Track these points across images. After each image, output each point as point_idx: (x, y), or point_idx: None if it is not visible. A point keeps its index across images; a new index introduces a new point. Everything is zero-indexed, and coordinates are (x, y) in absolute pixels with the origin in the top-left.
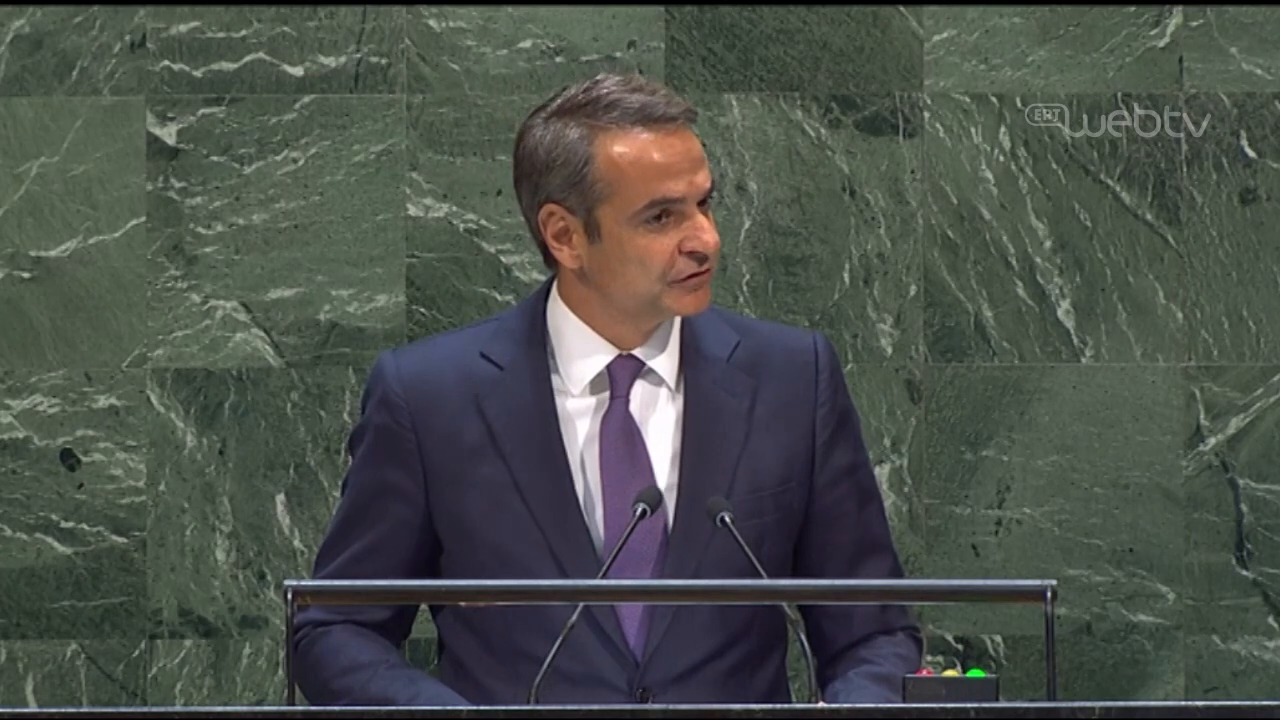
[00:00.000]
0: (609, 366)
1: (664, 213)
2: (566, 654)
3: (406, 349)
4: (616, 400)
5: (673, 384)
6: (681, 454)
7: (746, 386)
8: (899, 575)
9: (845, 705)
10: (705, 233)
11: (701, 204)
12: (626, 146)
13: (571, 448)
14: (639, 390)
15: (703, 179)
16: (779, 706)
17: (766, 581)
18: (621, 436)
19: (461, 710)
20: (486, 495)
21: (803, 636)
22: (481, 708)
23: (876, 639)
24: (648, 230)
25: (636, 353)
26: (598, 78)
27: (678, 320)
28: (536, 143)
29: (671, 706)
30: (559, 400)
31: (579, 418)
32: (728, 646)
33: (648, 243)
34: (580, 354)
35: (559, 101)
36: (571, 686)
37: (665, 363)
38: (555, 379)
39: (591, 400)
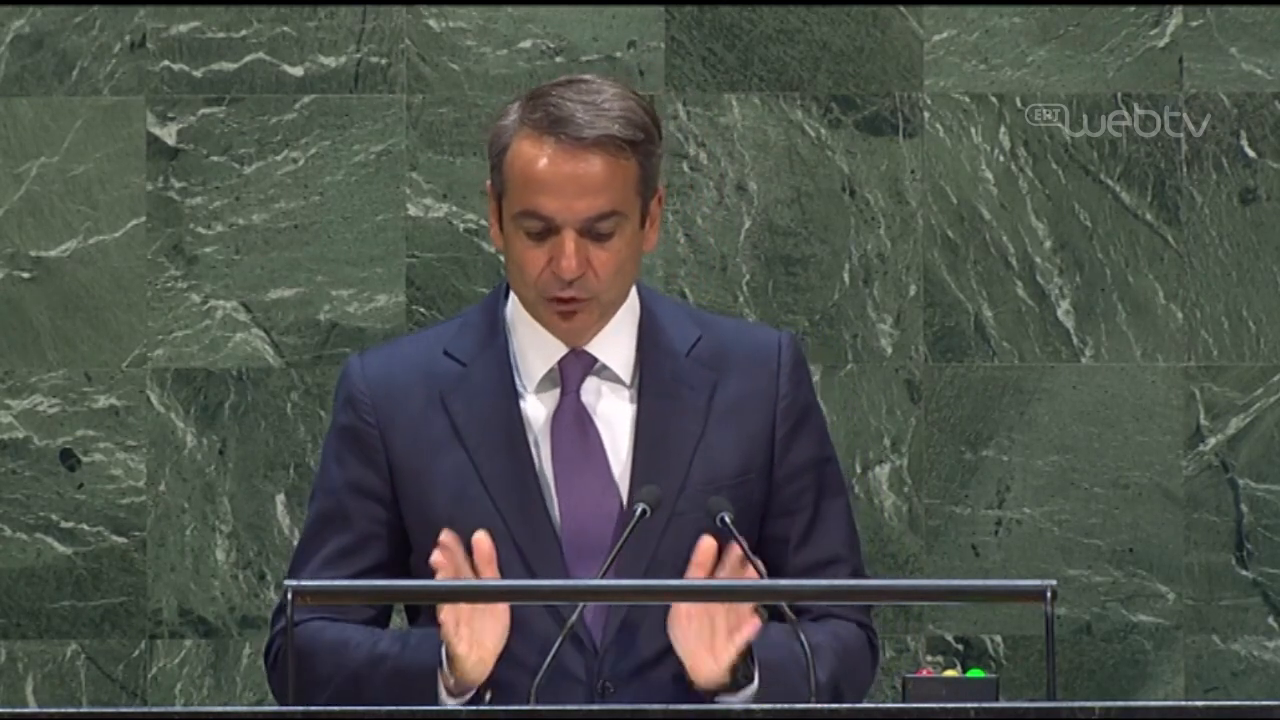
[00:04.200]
0: (560, 362)
1: (545, 229)
2: (525, 644)
3: (373, 350)
4: (567, 396)
5: (627, 379)
6: (635, 445)
7: (705, 380)
8: (860, 574)
9: (845, 705)
10: (565, 259)
11: (595, 234)
12: (529, 150)
13: (531, 441)
14: (591, 385)
15: (584, 206)
16: (779, 706)
17: (767, 582)
18: (574, 428)
19: (461, 711)
20: (450, 486)
21: (803, 635)
22: (481, 708)
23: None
24: (526, 238)
25: (589, 348)
26: (575, 77)
27: (637, 314)
28: (499, 117)
29: (671, 706)
30: (520, 394)
31: (535, 412)
32: None
33: (524, 249)
34: (533, 350)
35: (537, 86)
36: (532, 677)
37: (619, 358)
38: (515, 373)
39: (546, 395)
